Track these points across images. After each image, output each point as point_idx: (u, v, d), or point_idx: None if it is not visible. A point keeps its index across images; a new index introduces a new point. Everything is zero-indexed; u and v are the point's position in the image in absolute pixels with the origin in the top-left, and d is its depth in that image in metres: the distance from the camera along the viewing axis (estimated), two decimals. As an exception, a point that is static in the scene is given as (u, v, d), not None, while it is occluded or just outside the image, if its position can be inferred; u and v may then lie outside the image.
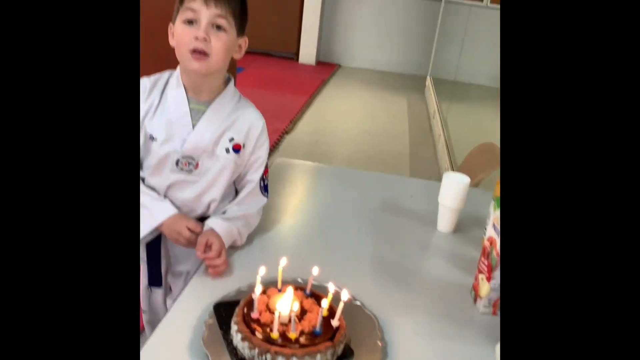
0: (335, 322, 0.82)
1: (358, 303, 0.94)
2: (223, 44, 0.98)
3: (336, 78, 6.26)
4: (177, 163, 1.03)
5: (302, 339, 0.78)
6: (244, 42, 1.06)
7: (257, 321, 0.80)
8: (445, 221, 1.29)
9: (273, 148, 3.71)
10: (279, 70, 6.16)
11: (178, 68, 1.05)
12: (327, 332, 0.80)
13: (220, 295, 0.92)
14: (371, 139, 4.26)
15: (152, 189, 1.06)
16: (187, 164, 1.04)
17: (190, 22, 0.97)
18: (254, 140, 1.09)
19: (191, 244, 1.04)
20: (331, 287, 0.86)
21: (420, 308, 0.99)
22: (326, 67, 6.61)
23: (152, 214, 1.04)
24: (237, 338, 0.79)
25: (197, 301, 0.92)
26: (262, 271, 0.85)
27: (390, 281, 1.07)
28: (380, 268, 1.12)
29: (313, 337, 0.79)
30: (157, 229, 1.06)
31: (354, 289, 0.96)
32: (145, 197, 1.04)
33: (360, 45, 6.83)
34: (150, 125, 1.02)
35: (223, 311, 0.87)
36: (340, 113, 4.97)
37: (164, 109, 1.03)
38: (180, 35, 0.99)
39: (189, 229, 1.04)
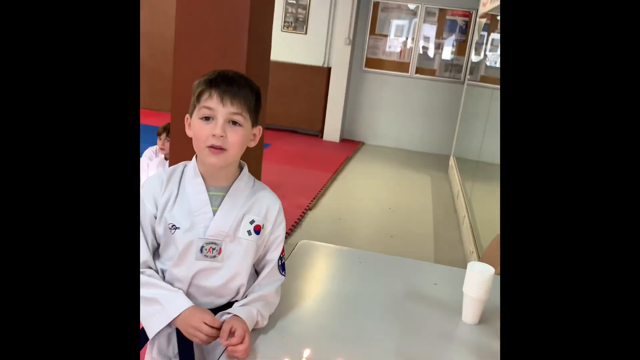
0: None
1: (381, 400, 0.91)
2: (239, 138, 1.04)
3: (360, 155, 6.41)
4: (201, 250, 1.06)
5: None
6: (258, 130, 1.11)
7: (278, 418, 0.79)
8: (470, 312, 1.27)
9: (296, 224, 3.75)
10: (305, 147, 6.35)
11: (194, 159, 1.11)
12: None
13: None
14: (394, 217, 4.27)
15: (170, 283, 1.06)
16: (211, 249, 1.06)
17: (207, 118, 1.03)
18: (272, 221, 1.13)
19: (210, 339, 1.01)
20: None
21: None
22: (350, 144, 6.79)
23: (165, 308, 1.02)
24: None
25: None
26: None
27: (414, 376, 1.04)
28: (406, 358, 1.09)
29: None
30: (172, 324, 1.03)
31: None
32: (158, 290, 1.03)
33: (383, 123, 7.04)
34: (171, 216, 1.05)
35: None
36: (364, 190, 5.03)
37: (183, 199, 1.06)
38: (197, 131, 1.04)
39: (206, 324, 1.01)
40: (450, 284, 1.48)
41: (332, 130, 6.87)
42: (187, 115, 1.09)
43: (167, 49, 6.70)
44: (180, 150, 2.81)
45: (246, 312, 1.06)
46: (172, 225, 1.05)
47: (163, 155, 3.52)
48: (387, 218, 4.22)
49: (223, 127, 1.02)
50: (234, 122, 1.03)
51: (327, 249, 1.77)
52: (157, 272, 1.07)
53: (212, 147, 1.02)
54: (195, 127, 1.04)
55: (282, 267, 1.16)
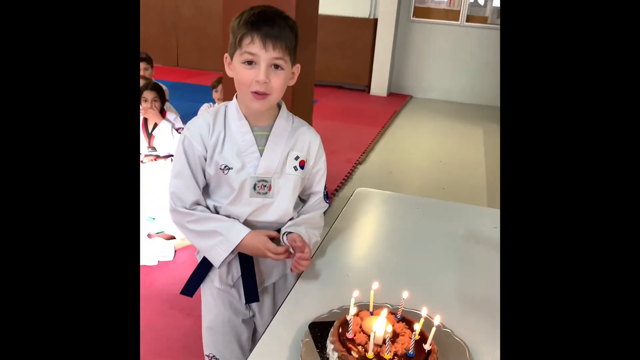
0: (427, 346, 0.84)
1: (448, 330, 0.95)
2: (281, 82, 1.06)
3: (408, 109, 6.30)
4: (254, 187, 1.12)
5: (396, 361, 0.81)
6: (296, 69, 1.13)
7: (352, 341, 0.85)
8: (532, 253, 1.28)
9: (346, 178, 3.78)
10: (352, 102, 6.30)
11: (235, 99, 1.14)
12: (419, 355, 0.83)
13: (313, 316, 0.98)
14: (445, 169, 4.22)
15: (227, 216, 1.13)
16: (262, 186, 1.12)
17: (249, 62, 1.03)
18: (314, 155, 1.19)
19: (278, 253, 1.09)
20: (423, 312, 0.89)
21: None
22: (398, 98, 6.67)
23: (227, 238, 1.10)
24: (333, 356, 0.84)
25: (292, 321, 0.98)
26: (355, 293, 0.90)
27: (477, 311, 1.08)
28: (467, 298, 1.13)
29: (406, 359, 0.82)
30: (235, 250, 1.12)
31: (443, 316, 0.98)
32: (215, 222, 1.10)
33: (432, 76, 6.84)
34: (223, 157, 1.10)
35: (318, 330, 0.93)
36: (413, 144, 4.97)
37: (231, 140, 1.11)
38: (240, 75, 1.05)
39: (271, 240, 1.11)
40: (511, 228, 1.48)
41: (379, 85, 6.76)
42: (227, 55, 1.11)
43: (212, 7, 6.71)
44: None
45: (298, 230, 1.15)
46: (225, 166, 1.10)
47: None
48: (438, 171, 4.18)
49: (266, 72, 1.03)
50: (276, 66, 1.04)
51: (383, 196, 1.79)
52: (209, 209, 1.14)
53: (256, 93, 1.04)
54: (238, 71, 1.06)
55: (326, 197, 1.25)
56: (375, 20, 6.49)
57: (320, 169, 1.21)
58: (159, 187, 2.62)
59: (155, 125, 3.28)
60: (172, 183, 1.12)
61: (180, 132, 3.24)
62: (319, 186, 1.23)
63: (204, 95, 3.95)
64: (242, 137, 1.10)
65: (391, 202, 1.75)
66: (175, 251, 2.51)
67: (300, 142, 1.16)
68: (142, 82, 3.49)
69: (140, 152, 3.20)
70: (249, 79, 1.04)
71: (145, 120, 3.24)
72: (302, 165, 1.16)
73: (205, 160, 1.11)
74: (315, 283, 1.14)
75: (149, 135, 3.27)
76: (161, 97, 3.23)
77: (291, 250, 1.11)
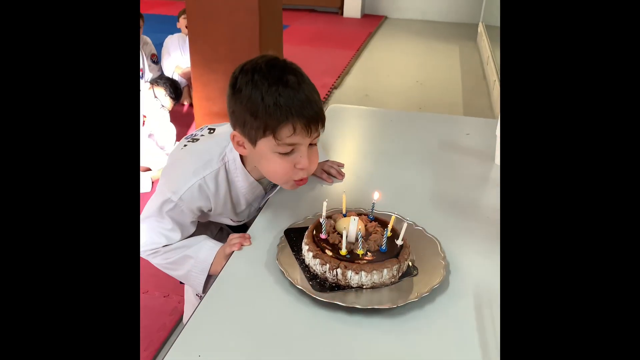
0: (399, 242, 0.86)
1: (420, 228, 0.98)
2: (317, 154, 0.95)
3: (383, 30, 6.13)
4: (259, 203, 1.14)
5: (369, 256, 0.83)
6: None
7: (326, 241, 0.86)
8: (503, 155, 1.29)
9: (323, 103, 3.74)
10: (324, 26, 6.10)
11: (239, 161, 1.00)
12: (392, 250, 0.85)
13: (288, 223, 0.99)
14: (423, 89, 4.19)
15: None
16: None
17: (286, 152, 0.90)
18: None
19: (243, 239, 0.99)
20: (393, 212, 0.90)
21: (478, 232, 1.02)
22: (372, 20, 6.47)
23: (198, 260, 1.01)
24: (308, 257, 0.86)
25: (269, 228, 0.99)
26: (326, 200, 0.91)
27: (451, 211, 1.10)
28: (440, 200, 1.15)
29: (379, 255, 0.84)
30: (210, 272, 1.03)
31: (416, 217, 1.00)
32: (184, 249, 1.02)
33: (407, -6, 6.61)
34: (237, 215, 1.11)
35: (293, 236, 0.94)
36: (389, 66, 4.89)
37: (237, 195, 1.06)
38: (274, 166, 0.91)
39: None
40: (482, 134, 1.49)
41: (352, 6, 6.52)
42: (236, 132, 0.93)
43: None
44: (199, 28, 2.75)
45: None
46: (238, 221, 1.13)
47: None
48: (415, 92, 4.15)
49: (308, 155, 0.91)
50: (313, 143, 0.93)
51: (358, 111, 1.78)
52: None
53: (299, 180, 0.94)
54: (269, 160, 0.91)
55: None
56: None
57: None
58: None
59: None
60: (148, 237, 1.00)
61: (155, 60, 3.09)
62: None
63: (170, 27, 3.77)
64: (252, 192, 1.07)
65: (365, 117, 1.74)
66: (152, 182, 2.49)
67: None
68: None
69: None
70: (288, 167, 0.91)
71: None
72: None
73: (204, 211, 1.04)
74: (289, 195, 1.14)
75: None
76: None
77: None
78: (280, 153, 0.89)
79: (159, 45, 3.79)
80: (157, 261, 1.04)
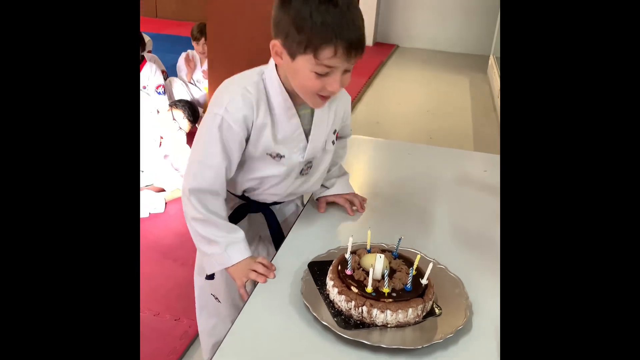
0: (424, 281, 0.87)
1: (442, 266, 0.98)
2: (349, 80, 0.95)
3: (395, 59, 6.21)
4: (300, 172, 1.09)
5: (395, 295, 0.84)
6: None
7: (352, 277, 0.87)
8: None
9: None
10: (337, 52, 6.18)
11: (275, 72, 0.99)
12: (417, 289, 0.86)
13: (311, 255, 1.00)
14: (433, 119, 4.23)
15: (262, 198, 1.12)
16: (307, 168, 1.10)
17: (322, 73, 0.90)
18: (348, 114, 1.19)
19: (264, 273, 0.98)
20: (418, 251, 0.91)
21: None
22: (384, 48, 6.56)
23: (225, 255, 1.01)
24: (333, 292, 0.87)
25: (291, 262, 1.00)
26: (351, 238, 0.92)
27: (472, 248, 1.11)
28: (461, 236, 1.16)
29: (404, 293, 0.84)
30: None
31: (437, 254, 1.01)
32: (219, 231, 1.01)
33: (419, 24, 6.71)
34: (275, 145, 1.01)
35: (317, 269, 0.95)
36: (400, 94, 4.94)
37: (277, 123, 1.01)
38: (307, 81, 0.92)
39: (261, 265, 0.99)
40: (498, 170, 1.50)
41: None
42: (276, 43, 0.92)
43: (190, -47, 6.41)
44: (220, 55, 2.80)
45: (345, 184, 1.23)
46: (277, 154, 1.02)
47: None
48: (425, 121, 4.18)
49: (341, 80, 0.92)
50: (348, 70, 0.93)
51: (373, 143, 1.80)
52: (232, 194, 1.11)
53: (324, 96, 0.95)
54: (303, 76, 0.92)
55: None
56: (361, -34, 6.28)
57: (348, 119, 1.21)
58: (147, 140, 2.59)
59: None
60: (197, 175, 0.99)
61: (159, 92, 3.15)
62: (347, 131, 1.26)
63: (184, 47, 3.84)
64: (289, 121, 1.01)
65: (380, 149, 1.76)
66: (165, 203, 2.51)
67: (338, 114, 1.11)
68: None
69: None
70: (319, 86, 0.92)
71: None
72: (337, 136, 1.14)
73: (246, 141, 1.00)
74: (310, 228, 1.15)
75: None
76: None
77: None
78: (316, 73, 0.90)
79: (170, 67, 3.86)
80: (194, 224, 1.01)
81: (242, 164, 1.05)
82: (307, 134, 1.05)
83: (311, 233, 1.13)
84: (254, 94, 0.98)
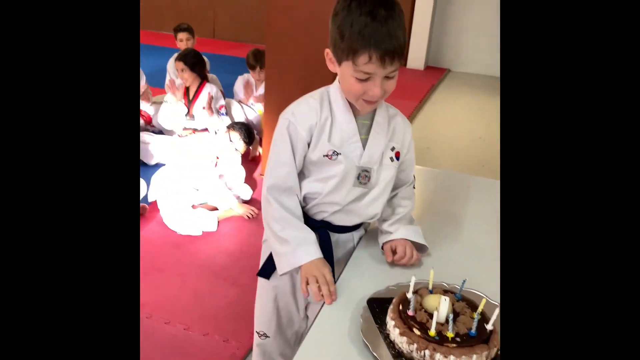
0: (489, 327, 0.85)
1: (506, 311, 0.95)
2: (394, 85, 1.03)
3: (446, 83, 6.16)
4: (358, 177, 1.10)
5: (458, 340, 0.82)
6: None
7: (414, 319, 0.86)
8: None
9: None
10: (388, 76, 6.18)
11: (338, 84, 1.10)
12: (481, 335, 0.83)
13: (369, 291, 0.99)
14: (484, 146, 4.14)
15: (321, 207, 1.13)
16: (365, 176, 1.11)
17: (362, 79, 0.99)
18: (407, 145, 1.18)
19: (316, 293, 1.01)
20: (483, 294, 0.89)
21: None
22: (435, 72, 6.52)
23: (294, 255, 1.06)
24: (394, 333, 0.86)
25: (349, 297, 1.00)
26: (414, 278, 0.91)
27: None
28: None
29: (469, 339, 0.82)
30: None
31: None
32: (294, 231, 1.07)
33: (471, 49, 6.64)
34: (331, 143, 1.08)
35: (376, 307, 0.94)
36: (451, 119, 4.88)
37: (336, 126, 1.09)
38: (351, 86, 1.02)
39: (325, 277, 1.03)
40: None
41: (416, 57, 6.61)
42: (328, 51, 1.05)
43: (249, -22, 6.64)
44: (276, 80, 2.87)
45: (413, 232, 1.16)
46: (333, 152, 1.08)
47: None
48: (477, 148, 4.10)
49: (381, 86, 1.00)
50: (390, 77, 1.01)
51: (430, 173, 1.78)
52: (299, 197, 1.12)
53: (369, 100, 1.03)
54: (348, 81, 1.02)
55: (414, 185, 1.26)
56: (415, -9, 6.31)
57: (410, 157, 1.21)
58: (202, 159, 2.67)
59: (197, 93, 3.30)
60: (273, 173, 1.09)
61: (222, 113, 3.27)
62: (410, 173, 1.23)
63: (240, 68, 3.96)
64: (347, 125, 1.08)
65: (438, 180, 1.74)
66: (218, 222, 2.57)
67: (397, 132, 1.15)
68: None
69: (179, 124, 3.25)
70: (361, 91, 1.01)
71: (187, 88, 3.29)
72: (397, 156, 1.15)
73: (309, 146, 1.08)
74: (367, 261, 1.15)
75: (190, 102, 3.31)
76: (191, 66, 3.20)
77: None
78: (357, 78, 1.00)
79: (226, 87, 3.98)
80: (273, 224, 1.09)
81: (302, 170, 1.13)
82: (364, 143, 1.10)
83: (369, 267, 1.12)
84: (317, 100, 1.10)
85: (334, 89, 1.11)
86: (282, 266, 1.10)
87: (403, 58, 1.01)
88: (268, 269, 1.19)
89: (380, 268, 1.12)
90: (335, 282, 1.05)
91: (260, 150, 3.28)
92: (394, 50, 0.96)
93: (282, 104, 2.97)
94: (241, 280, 2.14)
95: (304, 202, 1.14)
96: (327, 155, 1.08)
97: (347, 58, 0.99)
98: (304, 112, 1.08)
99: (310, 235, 1.09)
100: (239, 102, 3.60)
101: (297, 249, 1.06)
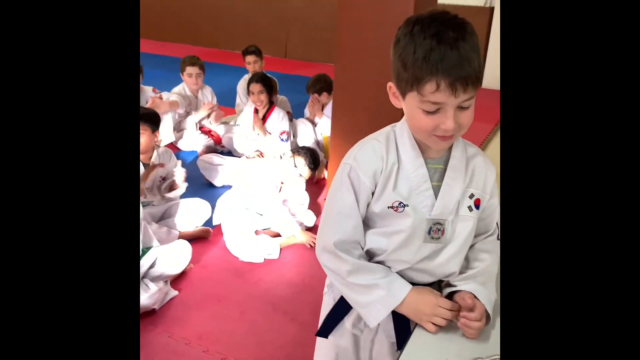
0: None
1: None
2: (470, 118, 0.88)
3: (525, 104, 5.81)
4: (429, 231, 0.95)
5: None
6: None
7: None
8: None
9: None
10: (462, 96, 5.94)
11: (405, 124, 0.96)
12: None
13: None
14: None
15: (387, 264, 0.98)
16: (437, 230, 0.95)
17: (431, 111, 0.86)
18: (489, 191, 1.00)
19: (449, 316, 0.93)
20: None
21: None
22: (514, 92, 6.18)
23: (390, 294, 0.93)
24: None
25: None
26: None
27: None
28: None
29: None
30: (395, 309, 0.95)
31: None
32: (375, 274, 0.95)
33: (554, 67, 6.25)
34: (397, 193, 0.93)
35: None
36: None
37: (403, 173, 0.94)
38: (419, 122, 0.89)
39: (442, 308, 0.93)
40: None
41: (492, 77, 6.29)
42: (391, 85, 0.93)
43: (321, -2, 6.69)
44: (343, 98, 2.77)
45: (486, 295, 0.95)
46: (400, 203, 0.93)
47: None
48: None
49: (454, 118, 0.85)
50: (464, 107, 0.86)
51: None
52: (363, 248, 1.00)
53: (442, 136, 0.88)
54: (415, 116, 0.89)
55: (498, 235, 1.04)
56: (491, 9, 6.05)
57: (494, 204, 1.02)
58: (266, 183, 2.61)
59: (265, 117, 3.31)
60: (337, 226, 0.96)
61: (282, 139, 3.23)
62: (492, 225, 1.04)
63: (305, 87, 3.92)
64: (415, 171, 0.94)
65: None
66: (280, 249, 2.48)
67: (476, 176, 0.98)
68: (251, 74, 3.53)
69: (250, 148, 3.24)
70: (431, 126, 0.87)
71: (257, 110, 3.28)
72: (477, 204, 0.98)
73: (372, 195, 0.95)
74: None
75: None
76: (268, 89, 3.22)
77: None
78: (424, 110, 0.86)
79: (296, 107, 3.95)
80: (350, 278, 0.96)
81: (364, 222, 0.99)
82: (436, 191, 0.95)
83: (434, 337, 0.96)
84: (383, 142, 0.96)
85: (400, 128, 0.96)
86: (377, 314, 0.95)
87: (479, 84, 0.86)
88: (329, 326, 1.06)
89: (444, 339, 0.93)
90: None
91: (325, 173, 3.19)
92: (466, 76, 0.82)
93: (349, 128, 2.88)
94: (301, 315, 2.03)
95: (367, 257, 1.00)
96: (392, 207, 0.93)
97: (412, 88, 0.85)
98: (367, 157, 0.94)
99: (394, 273, 0.97)
100: (309, 122, 3.55)
101: (391, 286, 0.94)
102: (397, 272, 0.98)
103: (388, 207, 0.94)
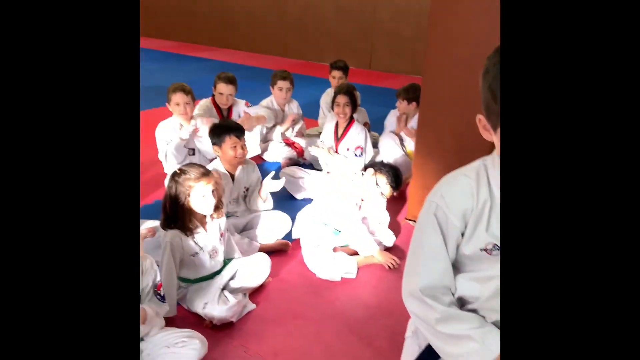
0: None
1: None
2: None
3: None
4: None
5: None
6: None
7: None
8: None
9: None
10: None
11: (496, 159, 0.89)
12: None
13: None
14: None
15: (480, 309, 0.92)
16: None
17: None
18: None
19: None
20: None
21: None
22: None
23: (485, 347, 0.87)
24: None
25: None
26: None
27: None
28: None
29: None
30: None
31: None
32: (468, 324, 0.89)
33: None
34: (491, 234, 0.88)
35: None
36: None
37: (496, 212, 0.88)
38: None
39: None
40: None
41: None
42: (481, 117, 0.87)
43: (410, 8, 6.61)
44: (429, 115, 2.69)
45: None
46: (494, 246, 0.87)
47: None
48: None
49: None
50: None
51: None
52: (453, 294, 0.95)
53: None
54: None
55: None
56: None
57: None
58: (347, 200, 2.59)
59: (344, 132, 3.31)
60: (424, 270, 0.91)
61: (356, 154, 3.19)
62: None
63: (394, 101, 3.86)
64: None
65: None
66: (358, 268, 2.44)
67: None
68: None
69: (325, 162, 3.25)
70: None
71: (336, 124, 3.29)
72: None
73: (462, 236, 0.89)
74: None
75: (337, 140, 3.30)
76: (353, 102, 3.22)
77: None
78: None
79: (378, 120, 3.89)
80: (438, 327, 0.89)
81: (454, 265, 0.92)
82: None
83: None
84: (473, 178, 0.88)
85: (492, 161, 0.89)
86: None
87: None
88: None
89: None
90: None
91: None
92: None
93: (434, 146, 2.78)
94: (377, 341, 1.97)
95: (458, 304, 0.93)
96: (485, 250, 0.87)
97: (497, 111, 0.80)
98: (456, 194, 0.88)
99: (489, 323, 0.89)
100: (395, 133, 3.49)
101: (486, 338, 0.87)
102: (492, 323, 0.91)
103: (480, 250, 0.87)
